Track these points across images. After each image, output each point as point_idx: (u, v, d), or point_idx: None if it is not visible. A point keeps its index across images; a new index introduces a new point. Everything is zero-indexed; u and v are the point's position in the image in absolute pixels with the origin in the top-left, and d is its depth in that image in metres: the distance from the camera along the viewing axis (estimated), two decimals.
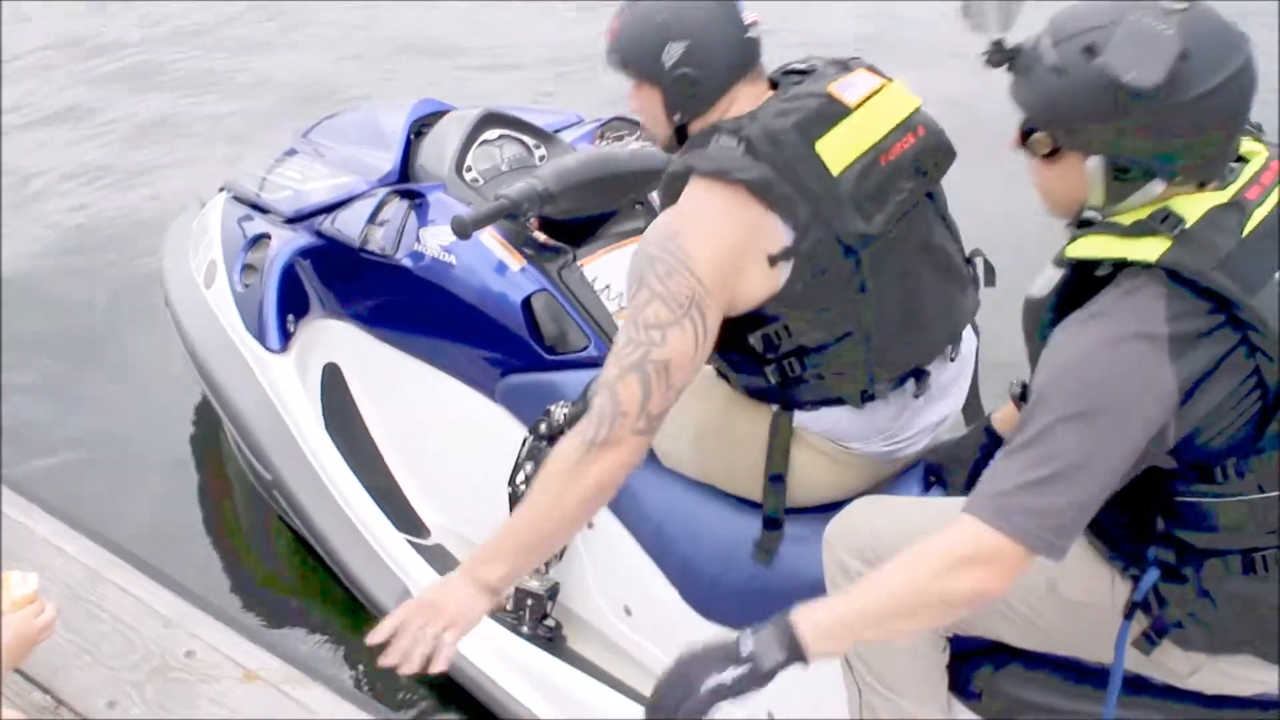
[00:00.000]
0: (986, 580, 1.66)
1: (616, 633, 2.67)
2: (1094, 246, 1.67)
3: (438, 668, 1.98)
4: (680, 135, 2.18)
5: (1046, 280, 1.75)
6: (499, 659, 2.64)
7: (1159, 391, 1.61)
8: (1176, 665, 1.86)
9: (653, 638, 2.59)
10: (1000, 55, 1.72)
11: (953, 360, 2.37)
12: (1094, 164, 1.67)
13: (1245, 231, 1.64)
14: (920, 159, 2.19)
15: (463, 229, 2.52)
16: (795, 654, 1.73)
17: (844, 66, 2.21)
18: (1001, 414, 2.25)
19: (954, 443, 2.31)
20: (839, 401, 2.23)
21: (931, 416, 2.37)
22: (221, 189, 3.51)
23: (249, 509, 3.46)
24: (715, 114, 2.15)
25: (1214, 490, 1.70)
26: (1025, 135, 1.72)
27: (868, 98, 2.16)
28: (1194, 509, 1.73)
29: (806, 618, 1.75)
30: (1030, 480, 1.64)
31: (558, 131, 3.18)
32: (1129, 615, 1.82)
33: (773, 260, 2.06)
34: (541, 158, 3.06)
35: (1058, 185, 1.73)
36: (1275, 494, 1.69)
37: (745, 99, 2.15)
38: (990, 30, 1.72)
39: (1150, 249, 1.61)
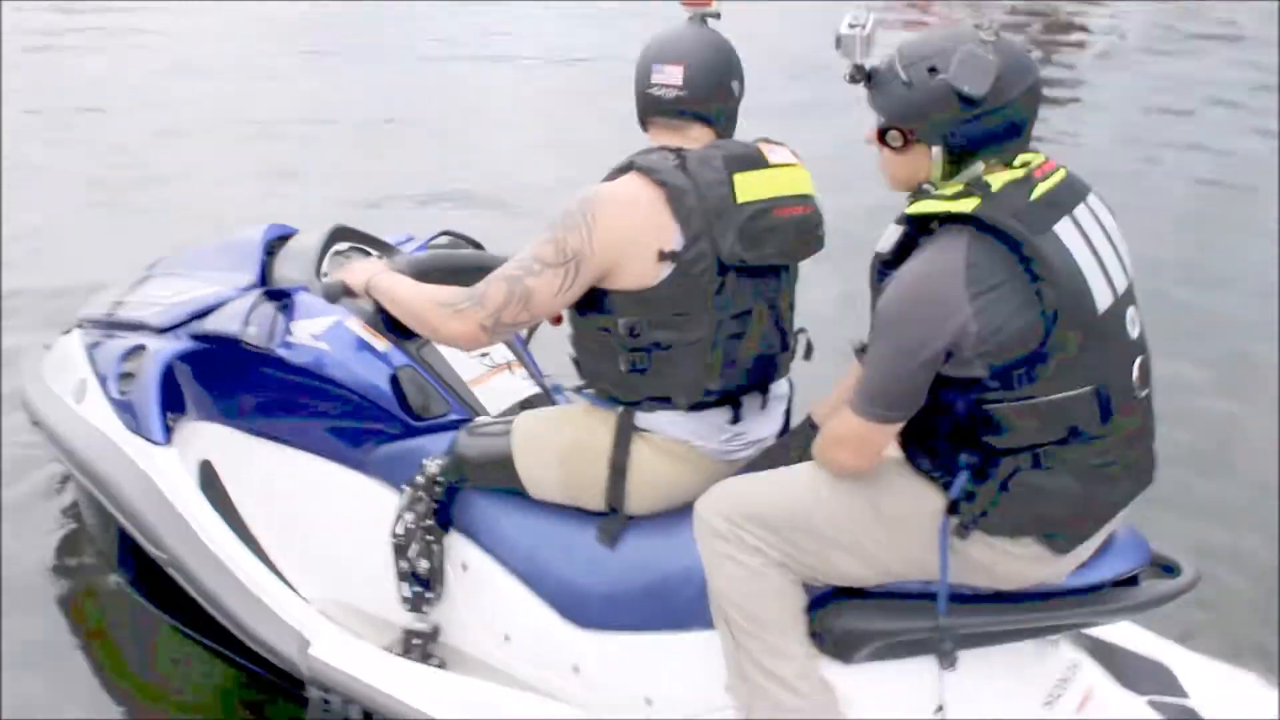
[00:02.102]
0: (850, 457, 2.36)
1: (498, 660, 2.97)
2: (927, 205, 2.28)
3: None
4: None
5: (889, 236, 2.36)
6: (399, 682, 2.92)
7: (953, 307, 2.19)
8: (983, 556, 2.36)
9: (532, 658, 2.91)
10: (860, 75, 2.36)
11: (763, 408, 2.85)
12: (936, 151, 2.30)
13: (1032, 197, 2.26)
14: (801, 229, 2.72)
15: (333, 293, 2.91)
16: None
17: (773, 141, 2.77)
18: (821, 407, 2.76)
19: (782, 440, 2.80)
20: (669, 403, 2.68)
21: (753, 435, 2.83)
22: (68, 331, 3.78)
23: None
24: (654, 133, 2.74)
25: (1011, 396, 2.25)
26: (882, 134, 2.34)
27: (784, 165, 2.72)
28: (995, 415, 2.26)
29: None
30: (873, 380, 2.28)
31: (397, 245, 3.60)
32: (949, 512, 2.34)
33: (660, 256, 2.55)
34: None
35: (905, 170, 2.35)
36: (1052, 397, 2.24)
37: (694, 139, 2.70)
38: (854, 57, 2.36)
39: (966, 205, 2.22)
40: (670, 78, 2.68)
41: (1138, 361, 2.35)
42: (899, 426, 2.32)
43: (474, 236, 3.57)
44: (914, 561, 2.42)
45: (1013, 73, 2.24)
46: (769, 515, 2.47)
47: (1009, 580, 2.40)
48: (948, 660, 2.44)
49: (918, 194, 2.35)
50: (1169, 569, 2.53)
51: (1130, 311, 2.35)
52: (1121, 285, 2.33)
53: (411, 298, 2.75)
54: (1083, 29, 13.72)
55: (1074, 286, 2.21)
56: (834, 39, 2.40)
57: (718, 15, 2.80)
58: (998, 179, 2.26)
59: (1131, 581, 2.48)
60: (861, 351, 2.44)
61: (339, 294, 2.90)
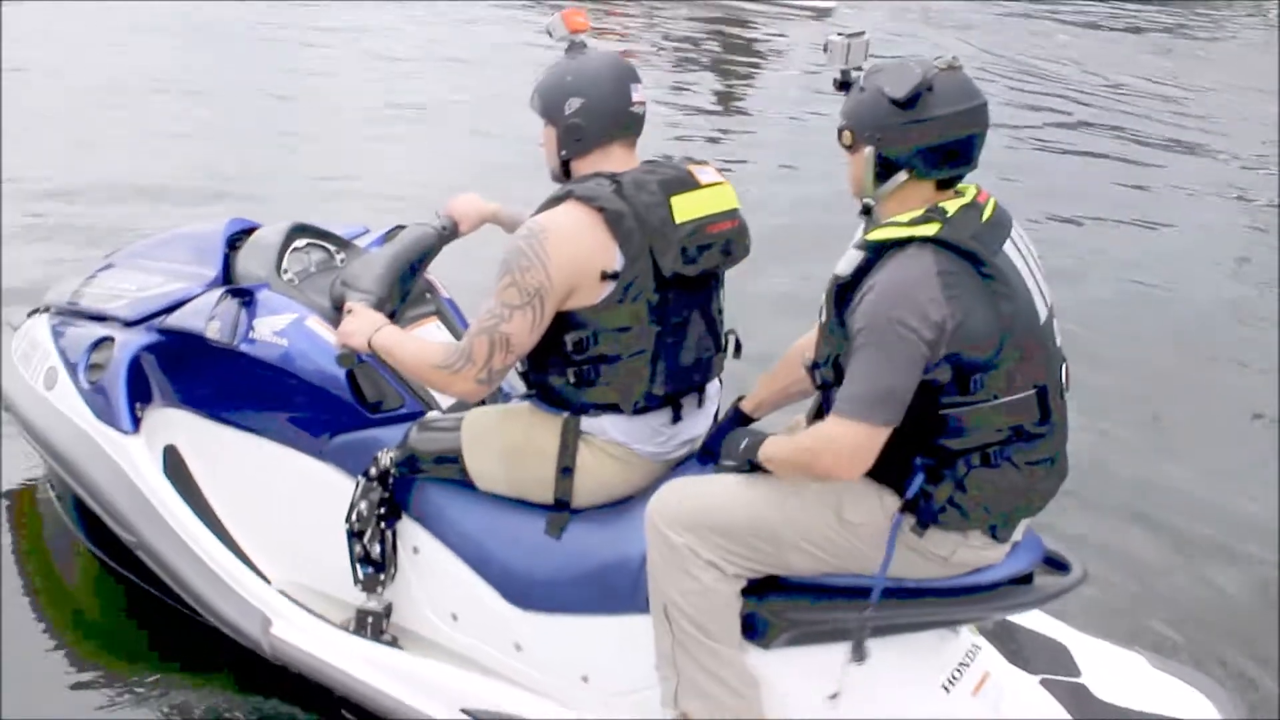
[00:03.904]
0: (848, 465, 2.49)
1: (446, 638, 3.19)
2: (888, 232, 2.49)
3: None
4: (565, 170, 2.92)
5: (849, 261, 2.55)
6: (354, 660, 3.15)
7: (934, 304, 2.41)
8: (940, 550, 2.60)
9: (478, 635, 3.13)
10: (842, 83, 2.60)
11: (700, 407, 3.08)
12: (867, 153, 2.52)
13: (983, 220, 2.50)
14: (730, 242, 2.93)
15: (348, 361, 3.08)
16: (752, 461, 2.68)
17: (698, 161, 2.96)
18: (748, 399, 3.03)
19: (717, 426, 3.04)
20: (616, 409, 2.90)
21: (687, 435, 3.06)
22: (35, 312, 3.94)
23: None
24: (591, 161, 2.87)
25: (966, 400, 2.49)
26: (840, 134, 2.57)
27: (712, 184, 2.92)
28: (950, 419, 2.50)
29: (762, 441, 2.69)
30: (870, 387, 2.45)
31: (353, 239, 3.78)
32: (902, 511, 2.56)
33: (603, 276, 2.75)
34: (342, 259, 3.65)
35: (854, 170, 2.59)
36: (1003, 399, 2.49)
37: (619, 160, 2.88)
38: (837, 62, 2.60)
39: (929, 229, 2.45)
40: (579, 110, 2.86)
41: (1064, 367, 2.63)
42: (888, 432, 2.50)
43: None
44: (870, 559, 2.63)
45: (947, 93, 2.47)
46: (728, 524, 2.65)
47: (963, 566, 2.64)
48: (859, 652, 2.64)
49: (870, 222, 2.58)
50: (1060, 564, 2.78)
51: (1055, 322, 2.62)
52: (1049, 299, 2.59)
53: (411, 360, 2.95)
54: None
55: (1024, 300, 2.48)
56: (823, 45, 2.64)
57: (584, 46, 2.98)
58: (952, 205, 2.50)
59: (1027, 578, 2.72)
60: (813, 368, 2.66)
61: (354, 360, 3.09)
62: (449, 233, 3.44)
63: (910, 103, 2.46)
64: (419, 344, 3.00)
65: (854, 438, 2.47)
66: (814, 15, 15.62)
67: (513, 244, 2.81)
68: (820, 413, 2.72)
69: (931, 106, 2.46)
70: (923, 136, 2.48)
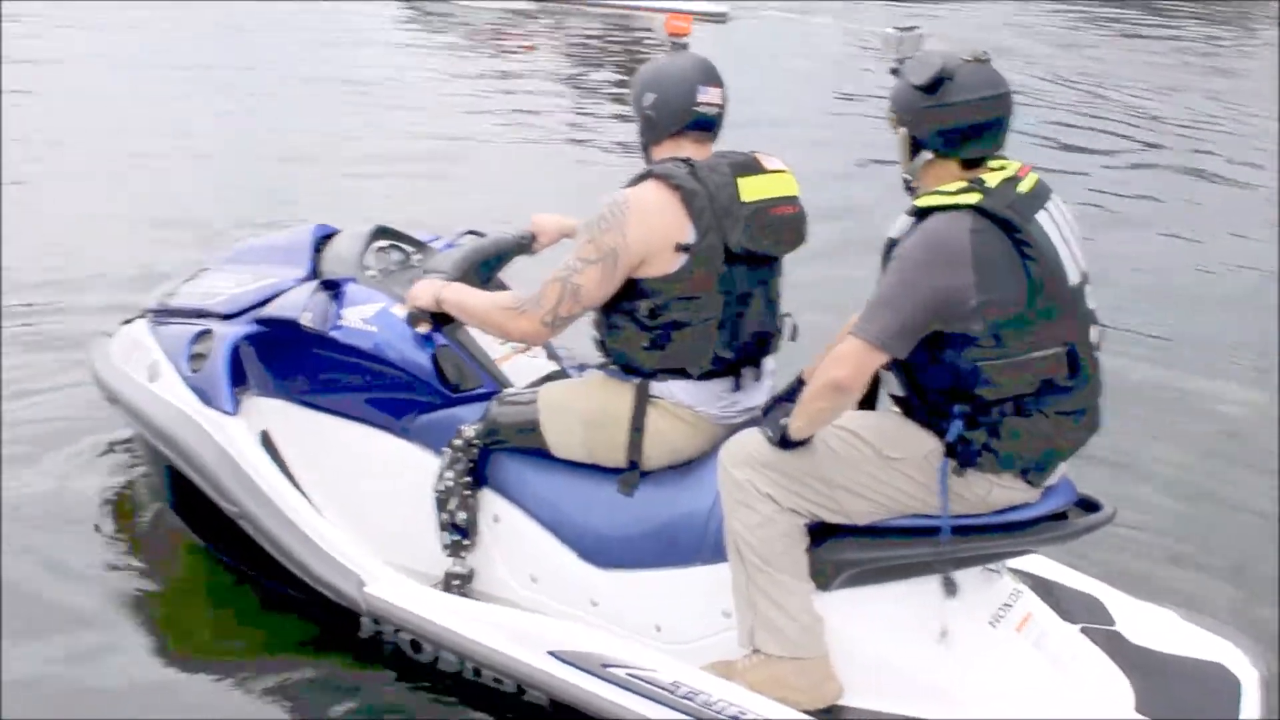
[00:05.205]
0: (842, 372, 2.77)
1: (525, 599, 3.45)
2: (934, 199, 2.80)
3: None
4: (646, 153, 3.25)
5: (900, 224, 2.87)
6: (445, 612, 3.39)
7: (960, 259, 2.71)
8: (977, 490, 2.87)
9: (556, 596, 3.40)
10: (895, 70, 2.92)
11: (757, 380, 3.36)
12: (902, 134, 2.88)
13: (1018, 191, 2.80)
14: (791, 225, 3.24)
15: (416, 319, 3.44)
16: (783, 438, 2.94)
17: (764, 153, 3.27)
18: (809, 369, 3.26)
19: (778, 394, 3.29)
20: (684, 374, 3.18)
21: (746, 404, 3.33)
22: (129, 321, 4.25)
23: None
24: (665, 149, 3.20)
25: (1000, 354, 2.76)
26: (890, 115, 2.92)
27: (776, 171, 3.23)
28: (986, 372, 2.77)
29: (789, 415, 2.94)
30: (876, 307, 2.75)
31: (427, 243, 4.09)
32: (948, 455, 2.84)
33: (677, 248, 3.06)
34: (417, 259, 3.96)
35: (899, 148, 2.89)
36: (1034, 355, 2.77)
37: (690, 152, 3.19)
38: (891, 53, 3.02)
39: (970, 199, 2.75)
40: (652, 104, 3.22)
41: (1094, 329, 2.90)
42: (885, 358, 2.78)
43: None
44: (913, 497, 2.91)
45: (968, 82, 2.80)
46: (782, 461, 2.94)
47: (999, 504, 2.91)
48: (949, 584, 2.92)
49: (915, 192, 2.90)
50: (1092, 506, 3.03)
51: (1088, 288, 2.90)
52: (1083, 265, 2.88)
53: (480, 306, 3.29)
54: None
55: (1054, 263, 2.77)
56: (881, 38, 2.99)
57: (686, 46, 3.33)
58: (992, 178, 2.81)
59: (1062, 517, 2.98)
60: None
61: (422, 319, 3.43)
62: (527, 241, 3.78)
63: (931, 89, 2.79)
64: (486, 294, 3.34)
65: (853, 351, 2.78)
66: (711, 19, 16.92)
67: (596, 211, 3.12)
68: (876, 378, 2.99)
69: (951, 94, 2.79)
70: (941, 120, 2.81)
